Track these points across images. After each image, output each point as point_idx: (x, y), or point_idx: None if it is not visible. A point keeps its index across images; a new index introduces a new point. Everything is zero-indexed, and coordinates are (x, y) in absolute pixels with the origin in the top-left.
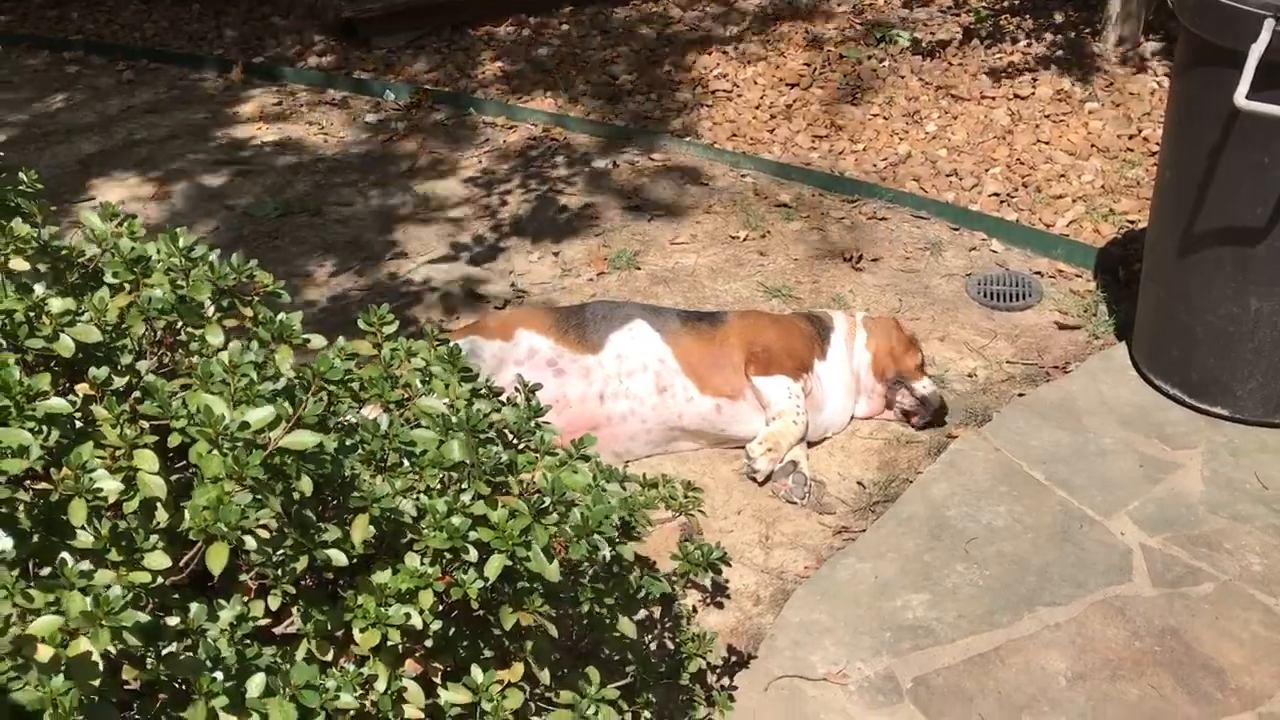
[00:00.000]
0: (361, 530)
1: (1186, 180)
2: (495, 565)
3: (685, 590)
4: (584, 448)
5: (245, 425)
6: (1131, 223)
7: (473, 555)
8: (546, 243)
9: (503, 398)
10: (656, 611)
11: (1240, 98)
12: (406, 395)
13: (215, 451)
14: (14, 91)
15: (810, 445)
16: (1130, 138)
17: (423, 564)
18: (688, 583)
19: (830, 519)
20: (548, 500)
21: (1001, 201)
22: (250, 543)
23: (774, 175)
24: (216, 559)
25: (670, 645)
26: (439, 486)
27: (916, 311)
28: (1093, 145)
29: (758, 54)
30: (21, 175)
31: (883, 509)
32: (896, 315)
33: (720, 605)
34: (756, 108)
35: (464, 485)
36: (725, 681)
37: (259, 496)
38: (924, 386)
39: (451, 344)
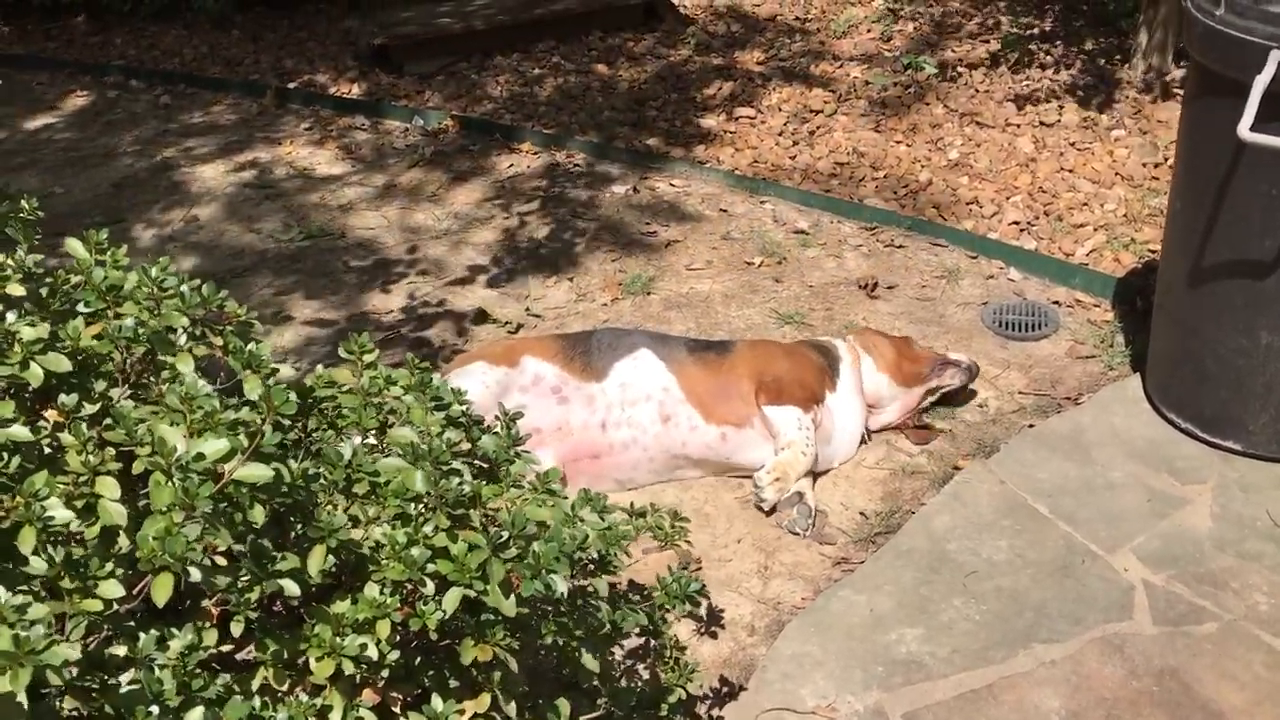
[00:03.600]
0: (318, 560)
1: (1196, 211)
2: (453, 598)
3: (677, 619)
4: (550, 481)
5: (200, 456)
6: (1153, 252)
7: (430, 588)
8: (563, 267)
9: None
10: (650, 640)
11: (1244, 129)
12: (388, 423)
13: (168, 482)
14: (56, 115)
15: (816, 476)
16: (1155, 166)
17: (382, 594)
18: (678, 613)
19: (831, 550)
20: (506, 534)
21: (1021, 230)
22: (195, 574)
23: (793, 202)
24: (161, 590)
25: (661, 675)
26: (404, 516)
27: (931, 340)
28: (1117, 173)
29: (782, 81)
30: (23, 203)
31: (884, 540)
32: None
33: (714, 635)
34: (779, 134)
35: (427, 516)
36: (715, 712)
37: (210, 527)
38: (959, 357)
39: (425, 373)
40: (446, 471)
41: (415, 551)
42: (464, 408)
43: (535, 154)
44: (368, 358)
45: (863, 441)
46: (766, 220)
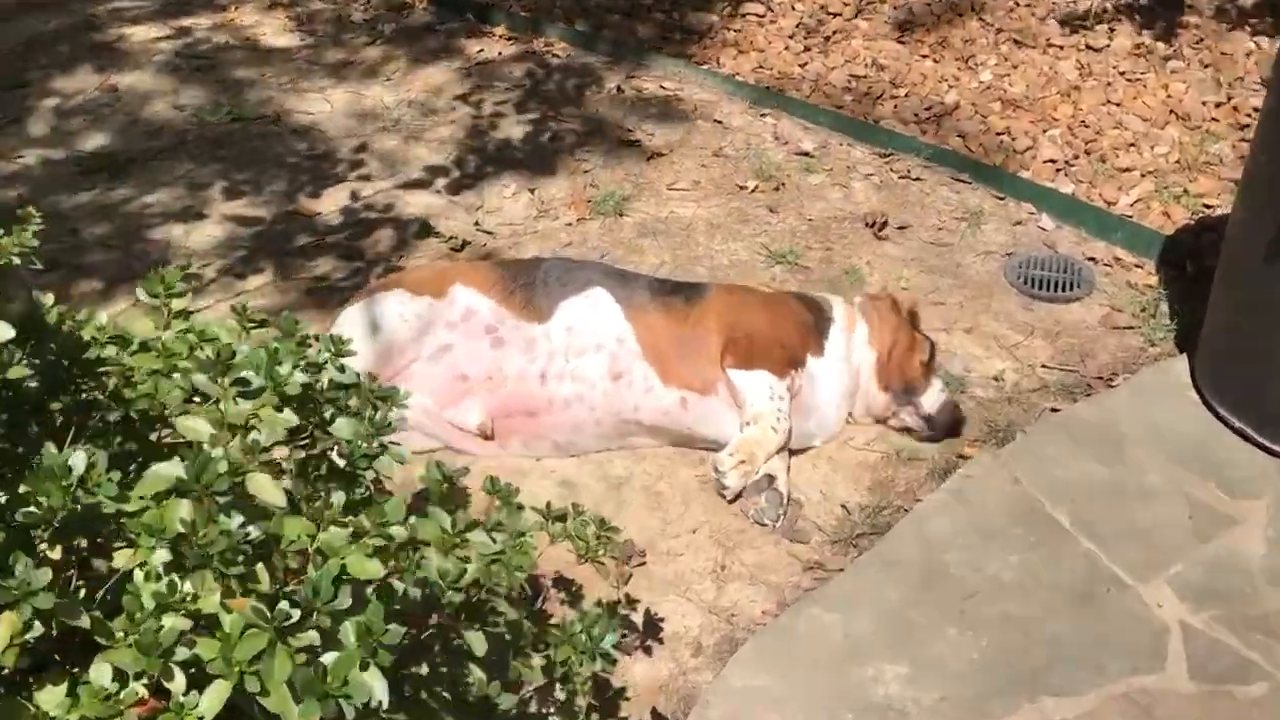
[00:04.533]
0: (7, 631)
1: None
2: (214, 698)
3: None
4: (439, 483)
5: None
6: (1209, 207)
7: (179, 682)
8: (527, 175)
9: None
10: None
11: None
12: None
13: None
14: None
15: (792, 454)
16: (1217, 105)
17: (114, 681)
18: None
19: (803, 550)
20: (301, 609)
21: (1058, 170)
22: None
23: (799, 118)
24: None
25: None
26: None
27: (943, 294)
28: (1171, 111)
29: None
30: None
31: (868, 543)
32: (906, 296)
33: (650, 651)
34: (790, 37)
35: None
36: None
37: None
38: (932, 400)
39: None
40: (227, 505)
41: (169, 621)
42: (342, 373)
43: (510, 39)
44: (178, 303)
45: (849, 419)
46: (766, 137)
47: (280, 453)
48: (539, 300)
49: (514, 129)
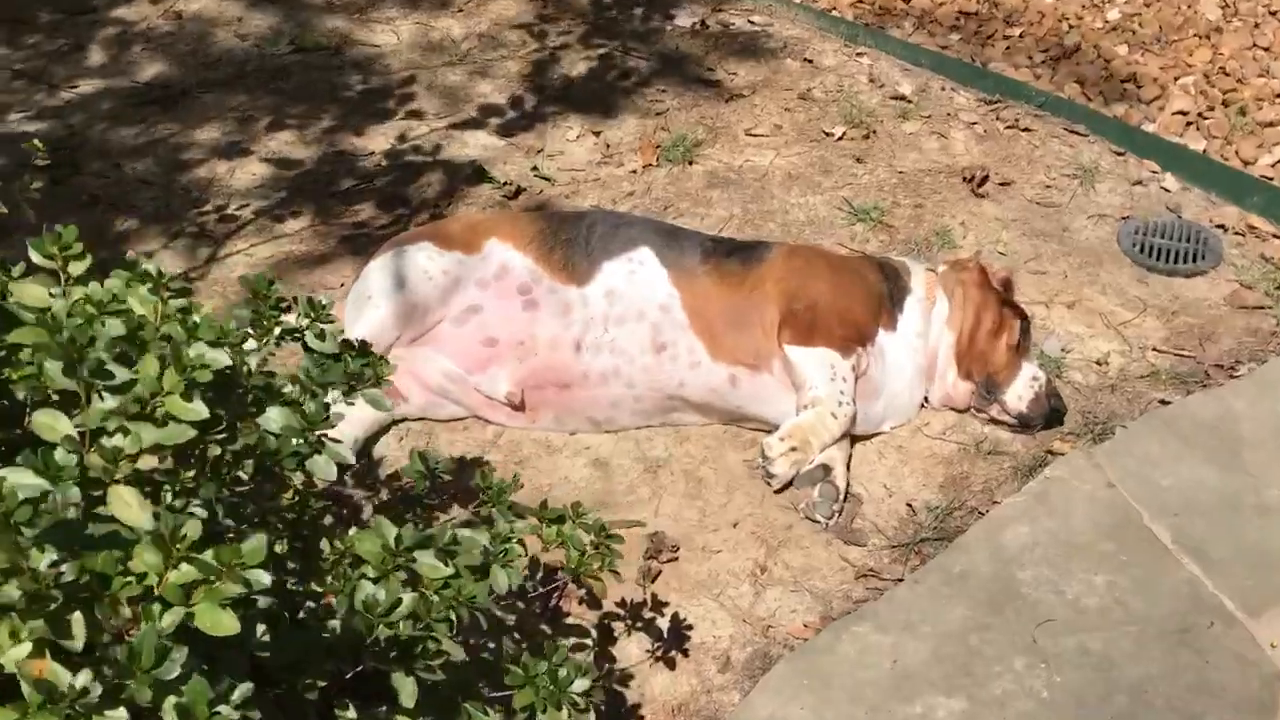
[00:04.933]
0: None
1: None
2: None
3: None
4: (245, 559)
5: None
6: None
7: None
8: (595, 117)
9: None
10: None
11: None
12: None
13: None
14: None
15: (856, 440)
16: None
17: None
18: None
19: (857, 554)
20: (96, 689)
21: (1189, 123)
22: None
23: (898, 58)
24: None
25: None
26: None
27: (1045, 262)
28: None
29: None
30: None
31: (933, 549)
32: (1001, 264)
33: (672, 664)
34: None
35: None
36: None
37: None
38: (1020, 393)
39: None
40: (28, 542)
41: None
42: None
43: None
44: (76, 266)
45: (923, 404)
46: (860, 79)
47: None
48: (578, 260)
49: (583, 65)
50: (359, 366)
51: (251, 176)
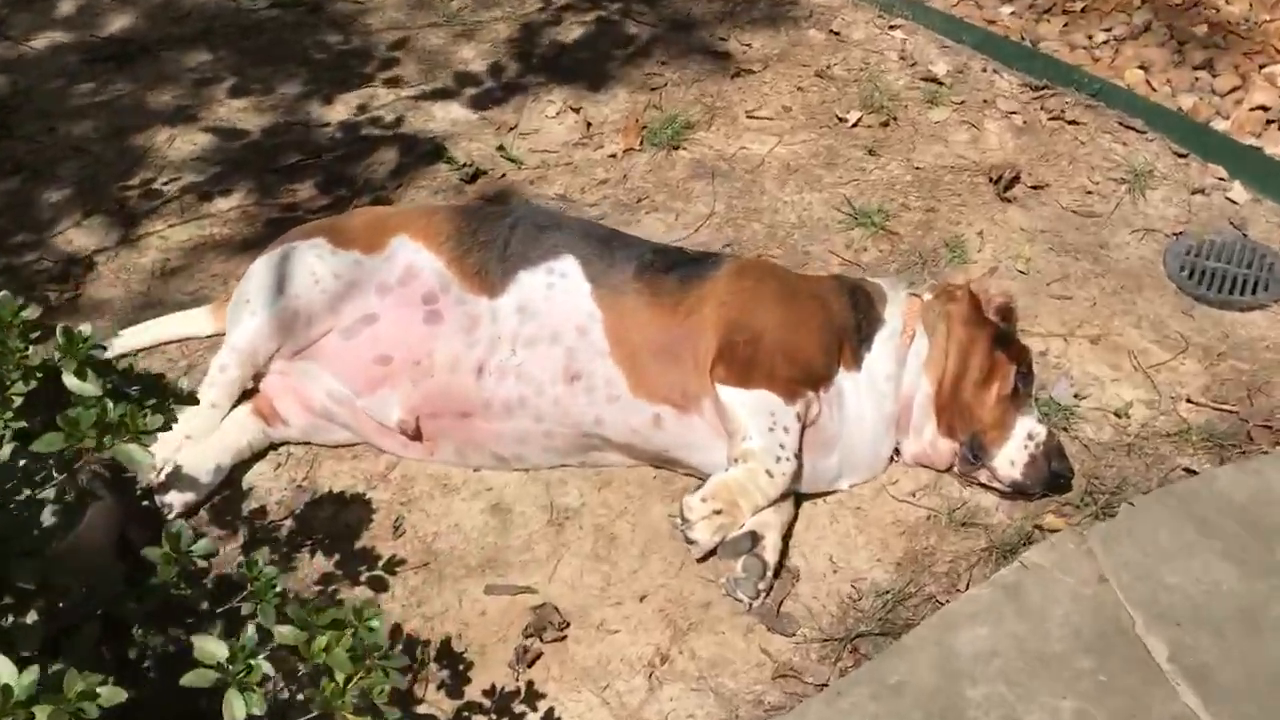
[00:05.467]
0: None
1: None
2: None
3: None
4: None
5: None
6: None
7: None
8: (581, 90)
9: None
10: None
11: None
12: None
13: None
14: None
15: (807, 499)
16: None
17: None
18: None
19: (781, 645)
20: None
21: (1269, 121)
22: None
23: (937, 33)
24: None
25: None
26: None
27: (1073, 285)
28: None
29: None
30: None
31: (871, 648)
32: (999, 288)
33: None
34: None
35: None
36: None
37: None
38: (1014, 459)
39: None
40: None
41: None
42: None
43: None
44: None
45: (893, 458)
46: (890, 56)
47: None
48: (493, 266)
49: (579, 30)
50: (118, 416)
51: (192, 147)
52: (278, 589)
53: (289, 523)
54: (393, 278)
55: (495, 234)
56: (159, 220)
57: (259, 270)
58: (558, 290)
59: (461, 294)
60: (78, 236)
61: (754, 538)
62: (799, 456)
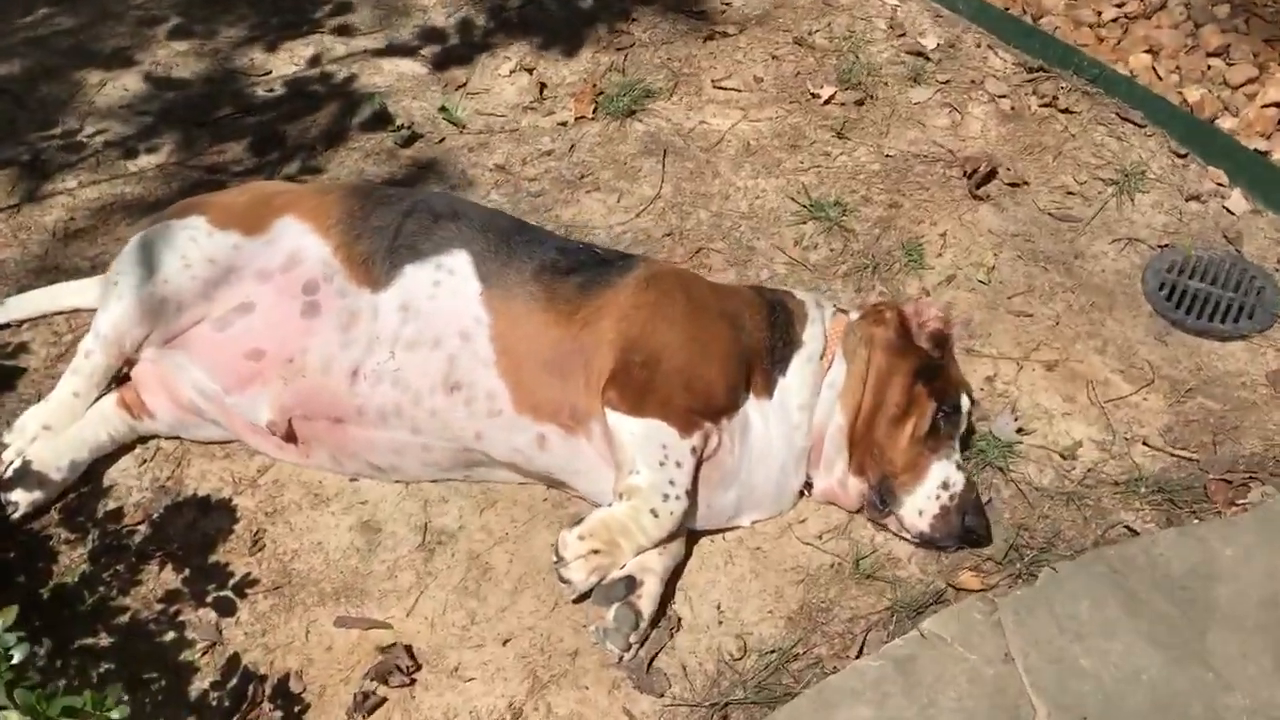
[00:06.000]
0: None
1: None
2: None
3: None
4: None
5: None
6: None
7: None
8: (540, 48)
9: None
10: None
11: None
12: None
13: None
14: None
15: (704, 535)
16: None
17: None
18: None
19: (647, 707)
20: None
21: None
22: None
23: (934, 0)
24: None
25: None
26: None
27: (1036, 300)
28: None
29: None
30: None
31: (743, 718)
32: (986, 296)
33: None
34: None
35: None
36: None
37: None
38: (922, 508)
39: None
40: None
41: None
42: None
43: None
44: None
45: (803, 493)
46: (879, 24)
47: None
48: (380, 257)
49: None
50: None
51: (123, 93)
52: (15, 661)
53: (144, 528)
54: (274, 263)
55: (388, 220)
56: (71, 176)
57: (131, 250)
58: (444, 289)
59: (345, 285)
60: None
61: (631, 583)
62: (691, 494)
